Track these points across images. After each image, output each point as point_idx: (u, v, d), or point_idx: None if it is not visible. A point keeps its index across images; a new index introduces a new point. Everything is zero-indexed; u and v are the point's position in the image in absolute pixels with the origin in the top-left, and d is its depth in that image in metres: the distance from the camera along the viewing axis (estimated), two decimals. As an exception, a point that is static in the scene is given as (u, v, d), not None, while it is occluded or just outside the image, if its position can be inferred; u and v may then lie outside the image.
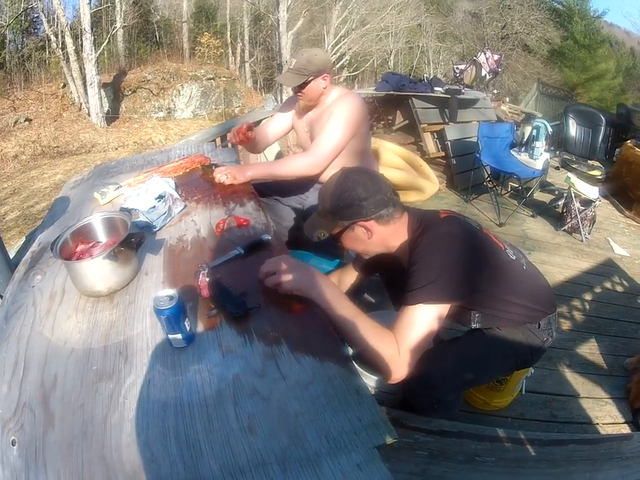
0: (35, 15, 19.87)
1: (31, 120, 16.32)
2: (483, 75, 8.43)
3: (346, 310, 1.53)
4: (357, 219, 1.72)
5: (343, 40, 23.87)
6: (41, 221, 2.52)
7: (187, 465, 1.08)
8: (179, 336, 1.37)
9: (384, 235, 1.78)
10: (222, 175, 2.51)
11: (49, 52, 19.07)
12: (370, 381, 2.01)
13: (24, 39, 20.16)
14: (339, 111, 2.62)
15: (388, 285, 2.26)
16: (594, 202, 4.87)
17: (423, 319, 1.55)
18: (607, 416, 2.62)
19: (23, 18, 19.44)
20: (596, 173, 6.59)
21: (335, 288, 1.61)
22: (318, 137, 2.66)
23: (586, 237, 4.91)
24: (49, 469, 1.09)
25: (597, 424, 2.56)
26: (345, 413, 1.17)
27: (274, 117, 3.16)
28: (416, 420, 1.86)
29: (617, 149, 7.21)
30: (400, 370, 1.52)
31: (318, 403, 1.20)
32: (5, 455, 1.14)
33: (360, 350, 1.54)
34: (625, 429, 2.57)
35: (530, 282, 1.99)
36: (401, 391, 2.03)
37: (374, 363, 1.53)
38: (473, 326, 1.92)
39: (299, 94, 2.72)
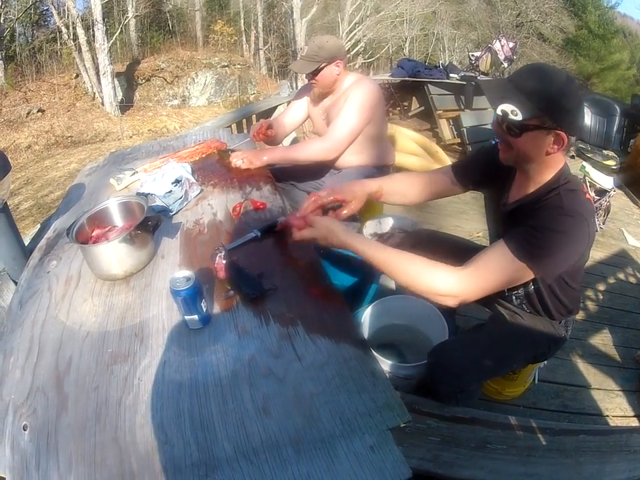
0: (45, 8, 19.94)
1: (44, 110, 16.39)
2: (499, 62, 8.37)
3: (381, 250, 1.56)
4: (563, 128, 1.45)
5: (358, 27, 23.78)
6: (55, 209, 2.53)
7: (201, 446, 1.09)
8: (195, 317, 1.38)
9: (553, 158, 1.55)
10: (238, 160, 2.51)
11: (60, 43, 19.17)
12: (385, 365, 2.01)
13: (34, 32, 20.24)
14: (354, 96, 2.63)
15: (494, 205, 1.95)
16: (609, 192, 4.83)
17: (512, 273, 1.48)
18: (617, 408, 2.61)
19: (32, 11, 19.50)
20: (611, 162, 6.52)
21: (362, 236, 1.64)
22: (333, 122, 2.66)
23: (600, 227, 4.87)
24: (61, 453, 1.11)
25: (607, 416, 2.55)
26: (359, 395, 1.18)
27: (289, 107, 3.16)
28: (429, 405, 1.87)
29: (631, 140, 7.15)
30: (460, 286, 1.48)
31: (333, 384, 1.21)
32: (16, 440, 1.16)
33: (411, 278, 1.52)
34: (634, 422, 2.56)
35: (580, 281, 1.93)
36: (416, 377, 2.04)
37: (430, 284, 1.50)
38: (513, 298, 1.90)
39: (313, 81, 2.73)
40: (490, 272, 1.48)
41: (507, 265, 1.46)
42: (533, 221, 1.48)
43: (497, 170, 1.74)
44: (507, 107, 1.43)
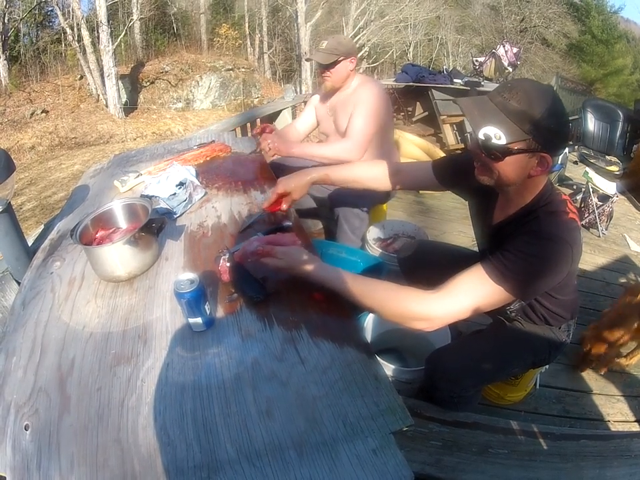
0: (49, 9, 20.10)
1: (48, 111, 16.45)
2: (503, 67, 8.38)
3: (348, 278, 1.48)
4: (549, 150, 1.39)
5: (362, 31, 23.84)
6: (58, 210, 2.53)
7: (204, 448, 1.09)
8: (199, 320, 1.39)
9: (535, 180, 1.49)
10: (267, 144, 2.63)
11: (64, 44, 19.25)
12: (387, 369, 2.02)
13: (39, 32, 20.35)
14: (367, 100, 2.74)
15: (479, 227, 1.93)
16: (611, 197, 4.82)
17: (489, 296, 1.44)
18: (618, 413, 2.60)
19: (36, 11, 19.59)
20: (614, 168, 6.49)
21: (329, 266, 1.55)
22: (351, 125, 2.75)
23: (603, 233, 4.86)
24: (62, 453, 1.11)
25: (608, 421, 2.54)
26: (362, 398, 1.18)
27: (301, 115, 3.29)
28: (431, 410, 1.87)
29: (634, 145, 7.13)
30: (433, 309, 1.43)
31: (336, 388, 1.21)
32: (17, 439, 1.15)
33: (382, 304, 1.47)
34: (635, 427, 2.55)
35: (572, 291, 1.89)
36: (418, 381, 2.04)
37: (401, 309, 1.46)
38: (509, 310, 1.86)
39: (327, 74, 2.82)
40: (465, 295, 1.43)
41: (482, 288, 1.42)
42: (511, 244, 1.43)
43: (475, 183, 1.59)
44: (490, 130, 1.34)
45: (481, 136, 1.36)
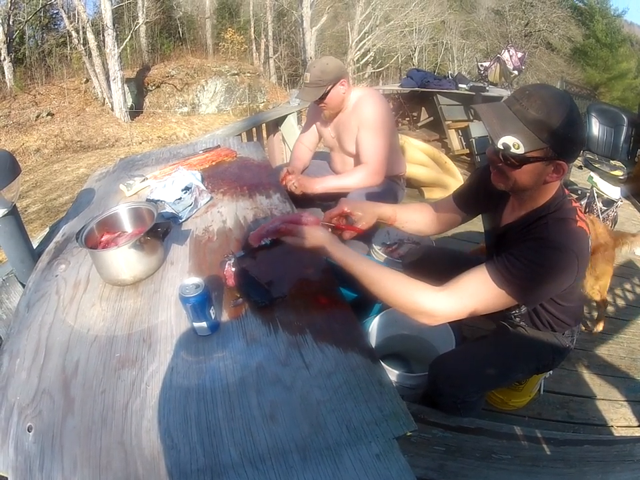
0: (55, 11, 20.14)
1: (54, 114, 16.49)
2: (508, 72, 8.36)
3: (365, 264, 1.50)
4: (565, 158, 1.39)
5: (367, 36, 23.93)
6: (63, 213, 2.54)
7: (207, 451, 1.09)
8: (204, 324, 1.39)
9: (549, 186, 1.49)
10: (292, 183, 2.66)
11: (70, 47, 19.33)
12: (392, 375, 2.01)
13: (44, 35, 20.40)
14: (371, 118, 2.70)
15: (489, 226, 1.92)
16: (616, 202, 4.79)
17: (492, 298, 1.44)
18: (621, 418, 2.59)
19: (42, 14, 19.65)
20: (618, 173, 6.45)
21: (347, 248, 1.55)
22: (363, 150, 2.74)
23: (607, 238, 4.84)
24: (65, 455, 1.11)
25: (612, 426, 2.53)
26: (366, 403, 1.18)
27: (305, 133, 3.25)
28: (435, 415, 1.87)
29: (638, 149, 7.09)
30: (439, 306, 1.44)
31: (340, 392, 1.21)
32: (20, 440, 1.16)
33: (393, 294, 1.47)
34: (638, 432, 2.53)
35: (578, 298, 1.91)
36: (422, 387, 2.03)
37: (408, 300, 1.46)
38: (514, 314, 1.87)
39: (322, 105, 2.77)
40: (469, 296, 1.44)
41: (486, 291, 1.43)
42: (516, 249, 1.43)
43: (492, 190, 1.61)
44: (509, 140, 1.34)
45: (499, 145, 1.36)
